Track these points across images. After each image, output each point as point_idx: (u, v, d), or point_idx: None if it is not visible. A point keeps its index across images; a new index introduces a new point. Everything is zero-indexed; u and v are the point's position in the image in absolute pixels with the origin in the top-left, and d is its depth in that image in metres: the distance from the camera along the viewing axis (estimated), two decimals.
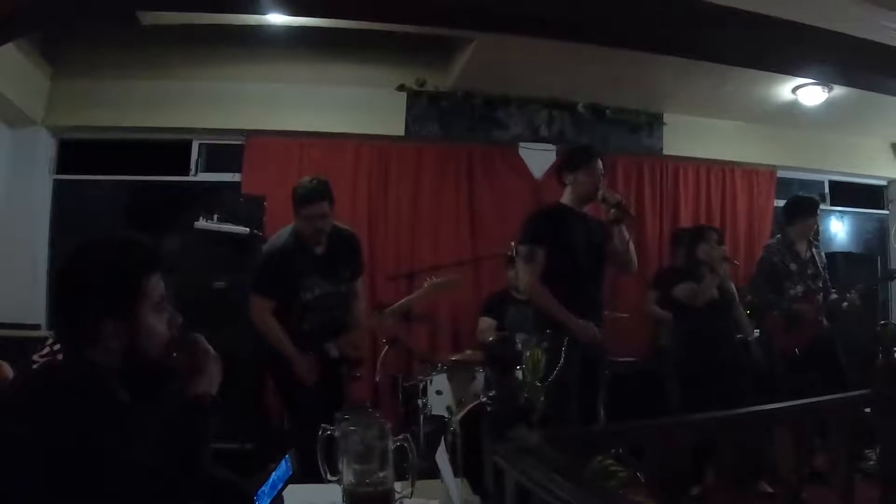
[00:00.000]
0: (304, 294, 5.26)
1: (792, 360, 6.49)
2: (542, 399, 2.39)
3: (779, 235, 6.97)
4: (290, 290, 5.25)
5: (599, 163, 5.28)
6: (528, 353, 2.42)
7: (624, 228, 5.25)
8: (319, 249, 5.34)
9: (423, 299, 6.28)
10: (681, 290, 6.45)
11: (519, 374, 2.40)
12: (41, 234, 7.44)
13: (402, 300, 6.15)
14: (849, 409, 3.83)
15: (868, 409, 3.90)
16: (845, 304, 6.68)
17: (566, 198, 5.27)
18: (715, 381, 6.12)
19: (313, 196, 5.17)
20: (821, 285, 6.74)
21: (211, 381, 2.14)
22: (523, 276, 5.17)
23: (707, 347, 6.30)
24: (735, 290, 6.73)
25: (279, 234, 5.44)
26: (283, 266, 5.24)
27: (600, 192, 5.22)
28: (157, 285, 2.11)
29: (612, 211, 5.17)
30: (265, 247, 5.57)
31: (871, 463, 5.13)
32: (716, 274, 6.34)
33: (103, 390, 1.96)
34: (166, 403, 2.14)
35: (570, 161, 5.34)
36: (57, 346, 2.22)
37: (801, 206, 6.86)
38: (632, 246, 5.32)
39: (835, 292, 6.75)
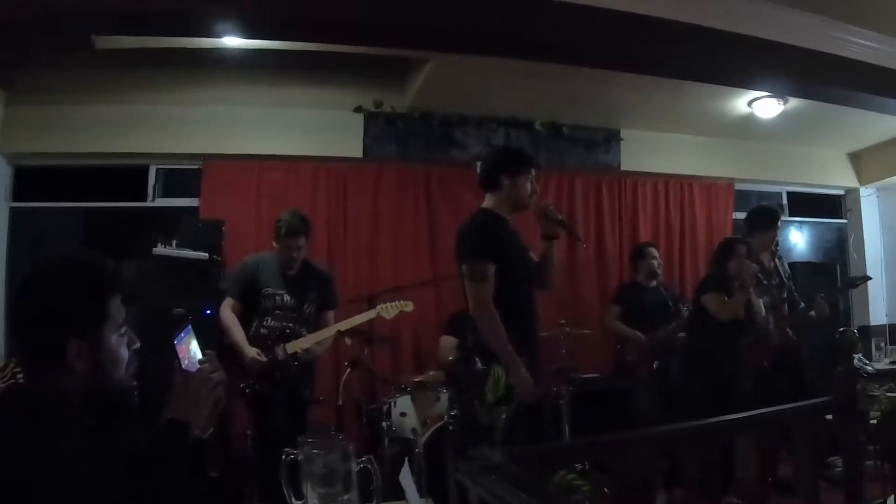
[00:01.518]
0: (266, 301, 5.94)
1: (760, 372, 6.47)
2: (503, 418, 2.39)
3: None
4: (255, 295, 5.94)
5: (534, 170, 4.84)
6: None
7: (554, 245, 4.87)
8: (291, 272, 5.96)
9: (370, 318, 6.30)
10: (709, 300, 6.33)
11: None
12: None
13: (350, 318, 6.19)
14: (811, 417, 3.84)
15: (830, 417, 3.92)
16: (812, 312, 6.72)
17: (495, 204, 4.72)
18: (714, 404, 5.98)
19: (292, 231, 5.88)
20: (785, 295, 6.77)
21: (193, 411, 2.14)
22: (477, 298, 4.42)
23: (717, 367, 6.14)
24: (762, 317, 6.43)
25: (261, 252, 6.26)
26: (251, 273, 6.01)
27: (542, 205, 4.87)
28: (119, 307, 2.10)
29: (553, 227, 4.80)
30: (245, 259, 6.24)
31: (837, 470, 5.17)
32: (746, 290, 6.23)
33: (67, 413, 1.94)
34: (132, 429, 2.13)
35: (511, 162, 4.78)
36: (18, 370, 2.20)
37: (762, 217, 6.90)
38: None
39: (801, 303, 6.80)
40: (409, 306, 6.37)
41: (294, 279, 5.98)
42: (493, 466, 2.15)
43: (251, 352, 5.71)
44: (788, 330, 6.66)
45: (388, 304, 6.27)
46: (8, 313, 1.89)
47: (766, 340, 6.45)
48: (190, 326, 2.30)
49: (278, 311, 5.91)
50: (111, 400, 2.09)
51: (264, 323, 5.89)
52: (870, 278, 8.52)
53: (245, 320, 5.91)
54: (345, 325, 6.07)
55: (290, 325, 5.90)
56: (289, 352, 5.79)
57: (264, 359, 5.72)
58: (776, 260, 6.88)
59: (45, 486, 1.75)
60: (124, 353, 2.13)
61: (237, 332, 5.80)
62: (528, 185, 4.73)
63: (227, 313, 5.90)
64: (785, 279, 6.88)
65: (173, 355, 2.18)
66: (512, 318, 4.42)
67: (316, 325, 6.05)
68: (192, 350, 2.25)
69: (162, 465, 2.00)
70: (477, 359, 2.52)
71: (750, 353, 6.47)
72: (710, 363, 6.19)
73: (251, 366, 5.69)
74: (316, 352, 6.01)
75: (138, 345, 2.20)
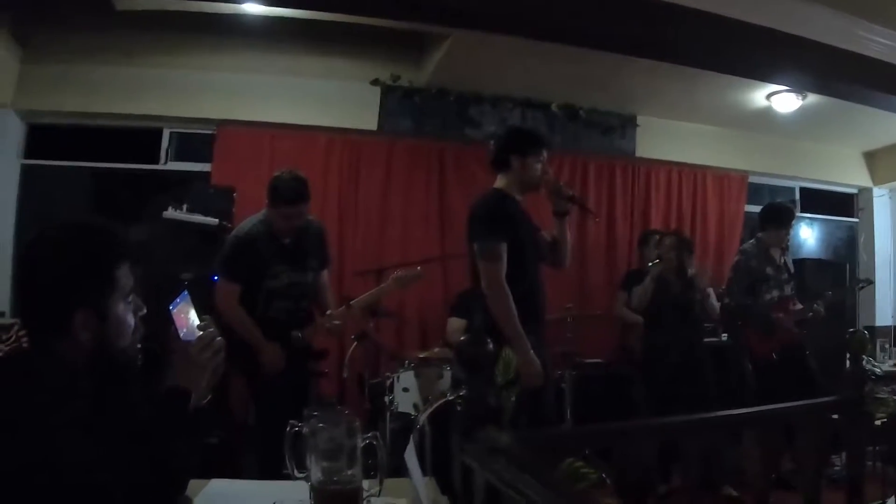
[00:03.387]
0: (271, 281, 5.34)
1: (768, 365, 6.52)
2: (512, 400, 2.37)
3: (753, 241, 7.01)
4: (256, 276, 5.33)
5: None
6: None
7: (566, 222, 4.93)
8: (287, 239, 5.40)
9: (387, 293, 6.20)
10: (633, 291, 6.80)
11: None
12: (7, 219, 7.31)
13: (367, 293, 6.06)
14: (816, 416, 3.83)
15: (835, 416, 3.91)
16: (810, 314, 6.73)
17: (507, 184, 4.74)
18: (675, 385, 6.18)
19: (295, 198, 5.23)
20: (791, 292, 6.79)
21: (194, 379, 2.14)
22: (491, 277, 4.42)
23: (666, 351, 6.47)
24: (697, 295, 6.73)
25: (248, 221, 5.50)
26: (250, 252, 5.30)
27: (552, 182, 4.92)
28: (128, 275, 2.08)
29: (564, 202, 4.87)
30: (233, 233, 5.62)
31: (837, 468, 5.17)
32: (651, 279, 6.52)
33: (69, 381, 1.92)
34: (134, 397, 2.12)
35: (523, 143, 4.79)
36: (23, 333, 2.19)
37: (779, 215, 6.91)
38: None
39: (800, 303, 6.82)
40: (419, 274, 6.22)
41: (292, 248, 5.43)
42: (501, 449, 2.14)
43: (271, 350, 5.26)
44: (794, 326, 6.69)
45: (401, 273, 6.11)
46: (15, 276, 1.88)
47: (777, 333, 6.53)
48: (186, 293, 2.28)
49: (285, 290, 5.44)
50: (114, 367, 2.07)
51: (272, 304, 5.41)
52: (871, 282, 8.49)
53: (245, 302, 5.36)
54: (361, 301, 5.81)
55: (301, 304, 5.53)
56: (307, 338, 5.48)
57: (283, 358, 5.28)
58: (784, 256, 6.91)
59: (41, 455, 1.73)
60: (131, 320, 2.11)
61: (254, 328, 5.26)
62: (539, 167, 4.75)
63: (233, 304, 5.27)
64: (791, 276, 6.92)
65: (169, 322, 2.16)
66: (519, 299, 4.42)
67: (315, 290, 5.69)
68: (189, 318, 2.23)
69: (162, 434, 2.00)
70: (488, 339, 2.51)
71: (759, 345, 6.55)
72: (660, 350, 6.60)
73: (272, 366, 5.26)
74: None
75: (145, 311, 2.18)
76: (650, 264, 6.63)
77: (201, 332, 2.20)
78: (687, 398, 6.05)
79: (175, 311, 2.18)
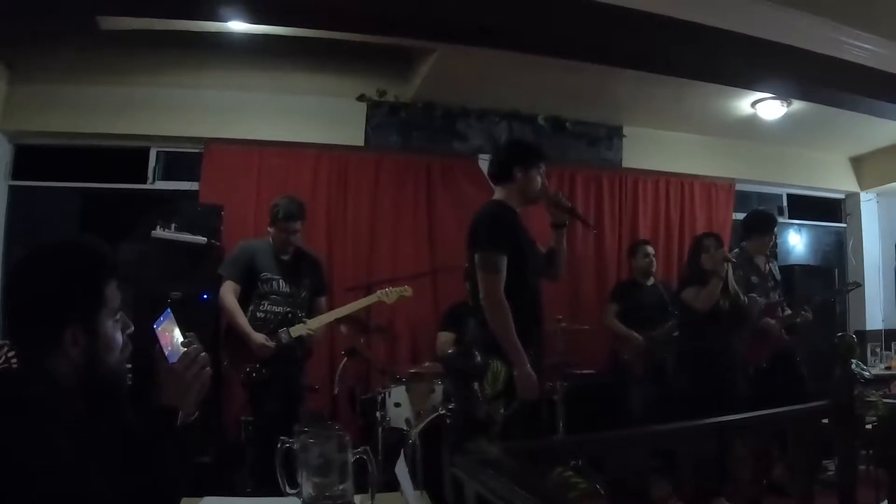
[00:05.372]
0: (263, 285, 5.99)
1: (757, 372, 6.53)
2: (501, 412, 2.38)
3: (737, 250, 7.02)
4: (252, 279, 5.99)
5: None
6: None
7: (564, 233, 4.93)
8: (286, 256, 6.02)
9: (372, 303, 6.37)
10: (687, 294, 6.47)
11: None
12: None
13: (351, 303, 6.30)
14: (807, 421, 3.84)
15: (826, 420, 3.92)
16: (798, 319, 6.75)
17: (508, 196, 4.70)
18: (712, 395, 6.08)
19: (292, 216, 5.95)
20: (779, 298, 6.80)
21: (181, 396, 2.14)
22: (489, 289, 4.37)
23: (710, 359, 6.27)
24: (744, 305, 6.58)
25: (256, 239, 6.29)
26: (249, 258, 6.03)
27: (552, 193, 4.89)
28: (115, 292, 2.09)
29: (563, 214, 4.86)
30: (240, 243, 6.27)
31: (830, 473, 5.17)
32: (719, 277, 6.30)
33: (61, 400, 1.92)
34: (124, 414, 2.12)
35: (524, 155, 4.78)
36: (12, 354, 2.18)
37: (759, 222, 6.95)
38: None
39: (788, 308, 6.84)
40: (408, 291, 6.41)
41: (288, 264, 6.06)
42: (490, 461, 2.14)
43: (259, 338, 5.77)
44: (783, 332, 6.70)
45: (388, 289, 6.31)
46: (3, 296, 1.87)
47: (765, 340, 6.53)
48: (170, 311, 2.28)
49: (275, 296, 5.97)
50: (104, 385, 2.07)
51: (261, 307, 5.95)
52: (859, 284, 8.51)
53: (240, 304, 5.92)
54: (346, 309, 6.20)
55: (290, 309, 5.97)
56: (293, 336, 5.88)
57: (272, 344, 5.78)
58: (770, 263, 6.92)
59: (34, 474, 1.73)
60: (119, 338, 2.11)
61: (241, 318, 5.84)
62: (539, 178, 4.75)
63: (230, 297, 5.91)
64: (778, 282, 6.93)
65: (153, 341, 2.16)
66: (519, 311, 4.40)
67: (309, 310, 6.11)
68: (174, 336, 2.24)
69: (152, 452, 2.00)
70: (476, 352, 2.51)
71: (749, 351, 6.54)
72: (703, 357, 6.31)
73: (258, 352, 5.76)
74: (316, 335, 6.13)
75: (132, 329, 2.18)
76: (722, 265, 6.41)
77: (186, 350, 2.20)
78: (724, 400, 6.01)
79: (159, 329, 2.18)
